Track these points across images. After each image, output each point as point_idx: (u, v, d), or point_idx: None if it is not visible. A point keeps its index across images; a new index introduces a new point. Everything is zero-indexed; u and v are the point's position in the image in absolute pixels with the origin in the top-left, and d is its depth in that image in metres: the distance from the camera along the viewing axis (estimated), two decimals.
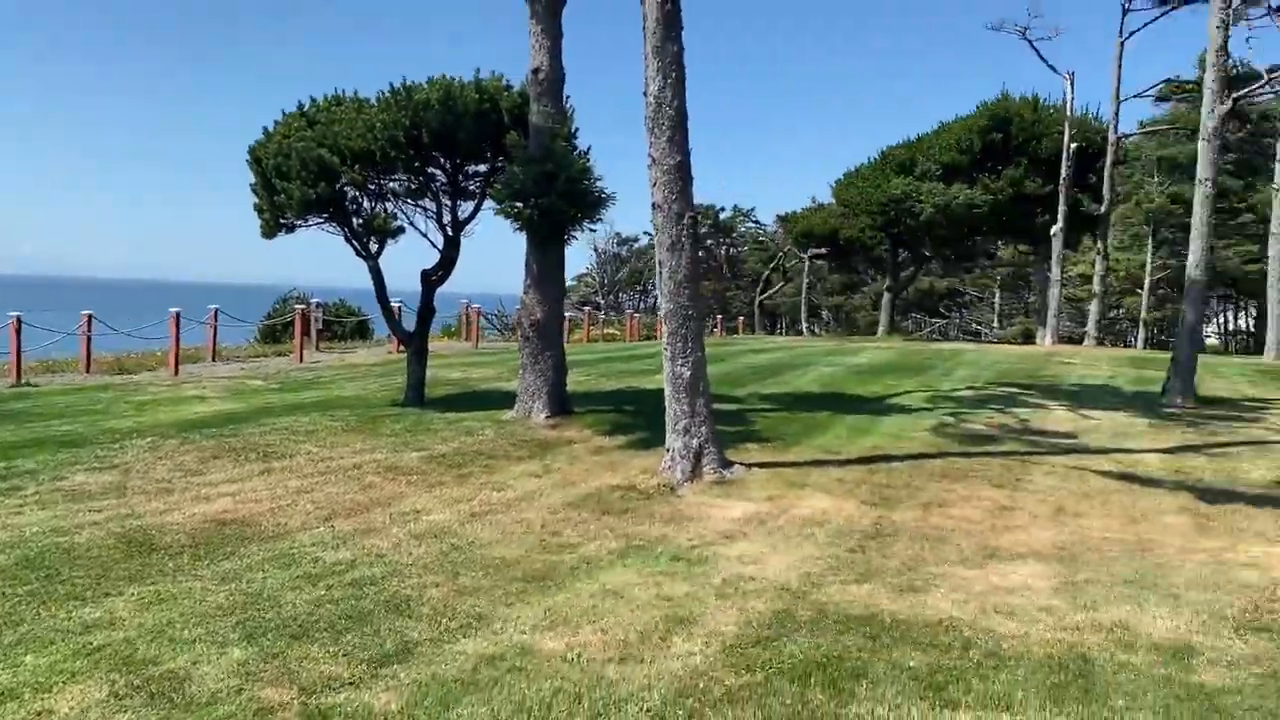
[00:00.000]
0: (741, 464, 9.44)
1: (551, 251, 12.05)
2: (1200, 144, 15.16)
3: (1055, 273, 32.28)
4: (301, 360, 19.79)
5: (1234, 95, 15.35)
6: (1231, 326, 72.71)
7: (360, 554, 6.50)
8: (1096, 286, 32.85)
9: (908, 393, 16.14)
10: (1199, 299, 15.09)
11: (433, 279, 13.23)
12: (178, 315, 17.63)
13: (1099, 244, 33.13)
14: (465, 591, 5.76)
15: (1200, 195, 14.99)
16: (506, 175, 11.75)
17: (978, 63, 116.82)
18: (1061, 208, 31.40)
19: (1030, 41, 31.75)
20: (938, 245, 37.47)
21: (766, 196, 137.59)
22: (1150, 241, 55.99)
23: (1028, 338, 63.78)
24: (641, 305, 63.15)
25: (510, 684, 4.43)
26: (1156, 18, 31.94)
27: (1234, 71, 31.48)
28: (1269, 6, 25.87)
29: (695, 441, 8.98)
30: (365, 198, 12.80)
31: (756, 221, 71.44)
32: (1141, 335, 58.87)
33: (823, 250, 43.87)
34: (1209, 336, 72.27)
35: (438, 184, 13.00)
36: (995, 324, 70.34)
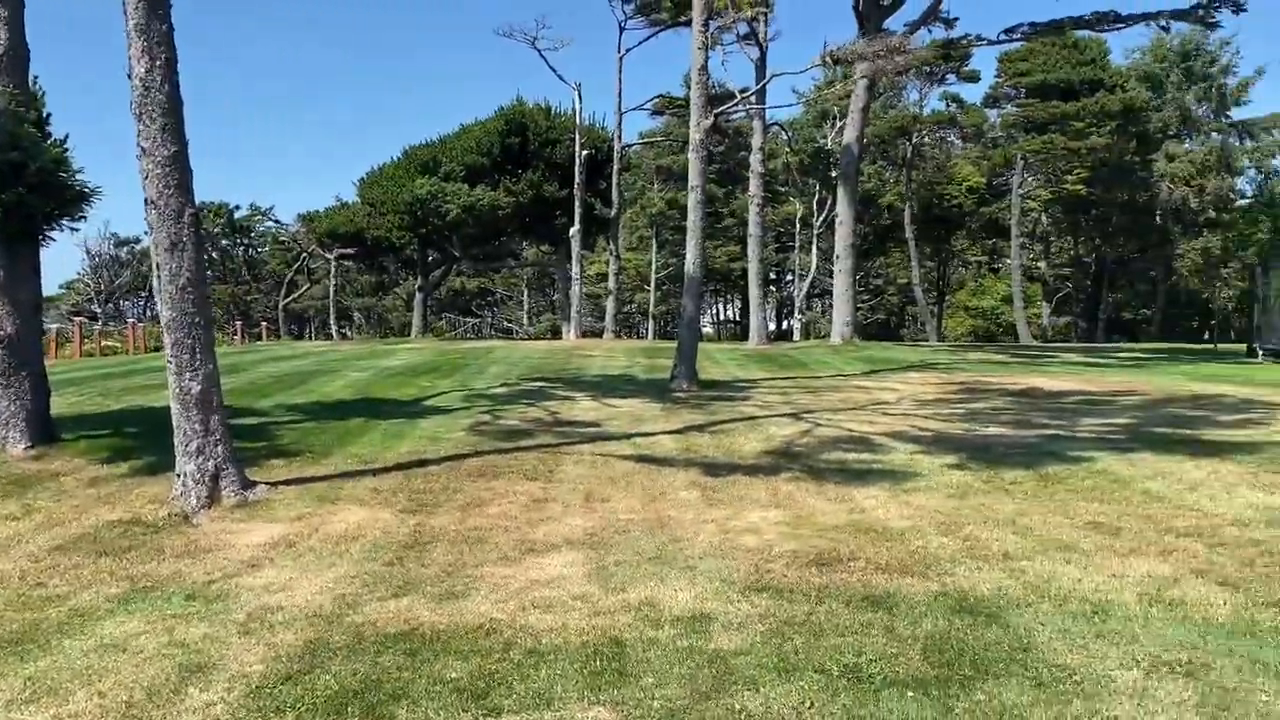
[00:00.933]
0: (266, 483, 8.75)
1: (23, 254, 10.31)
2: (690, 154, 16.86)
3: (575, 271, 34.38)
4: None
5: (715, 111, 17.24)
6: (723, 317, 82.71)
7: None
8: (611, 284, 35.53)
9: (444, 393, 16.14)
10: (697, 293, 16.78)
11: None
12: None
13: (611, 245, 35.87)
14: None
15: (692, 200, 16.67)
16: None
17: (497, 67, 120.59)
18: (577, 210, 33.50)
19: (539, 51, 33.43)
20: (466, 245, 38.24)
21: (287, 194, 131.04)
22: (654, 243, 61.86)
23: (555, 333, 67.45)
24: (147, 313, 57.24)
25: None
26: (648, 37, 35.23)
27: (715, 91, 35.59)
28: (738, 34, 29.65)
29: (211, 463, 8.15)
30: None
31: (277, 221, 67.98)
32: (651, 327, 64.85)
33: (349, 250, 42.77)
34: (705, 326, 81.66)
35: None
36: (525, 321, 73.58)
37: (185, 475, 8.13)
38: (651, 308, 63.74)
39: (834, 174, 36.25)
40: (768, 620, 5.12)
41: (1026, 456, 9.66)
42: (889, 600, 5.37)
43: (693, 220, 16.58)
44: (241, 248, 70.43)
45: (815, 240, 54.77)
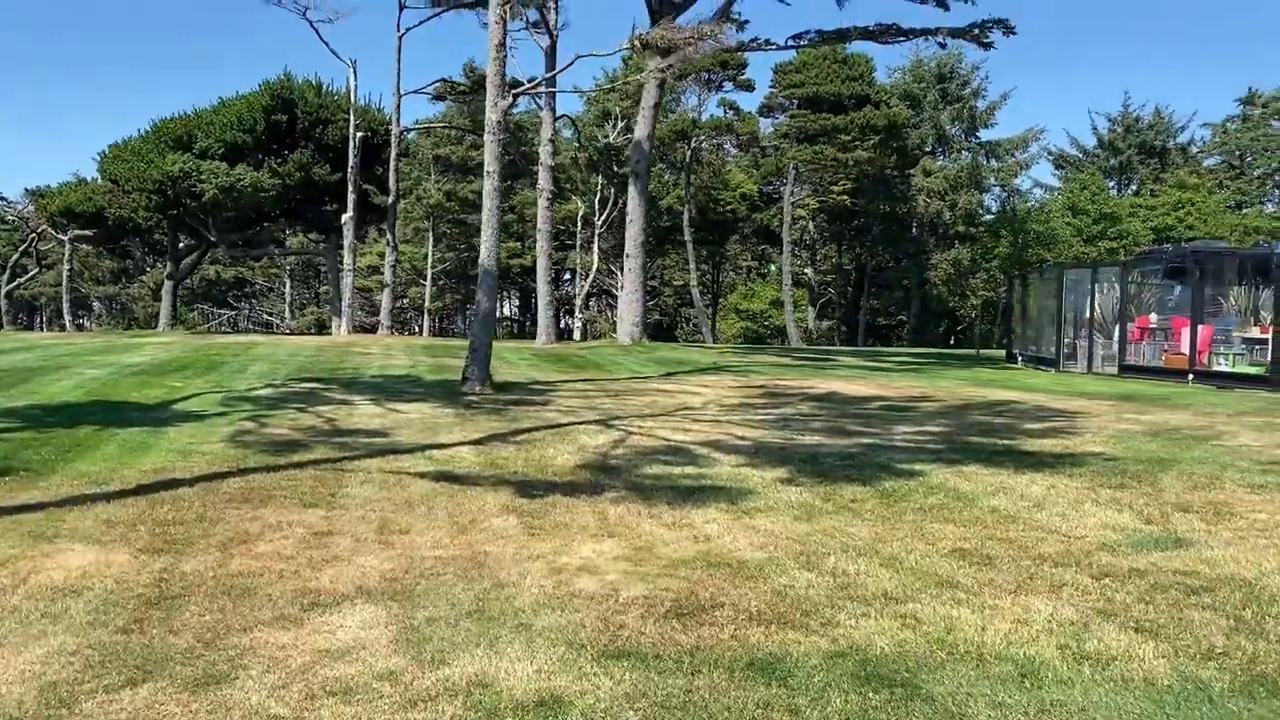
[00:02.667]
0: None
1: None
2: (486, 136, 15.55)
3: (348, 261, 32.01)
4: None
5: (514, 91, 16.01)
6: (500, 314, 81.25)
7: None
8: (388, 276, 33.39)
9: (197, 395, 14.13)
10: (492, 287, 15.48)
11: None
12: None
13: (389, 234, 33.70)
14: None
15: (488, 187, 15.36)
16: None
17: (260, 37, 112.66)
18: (351, 196, 31.17)
19: (311, 22, 30.87)
20: (224, 230, 34.82)
21: (15, 168, 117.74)
22: (431, 235, 59.64)
23: (321, 328, 63.90)
24: None
25: None
26: (430, 17, 33.33)
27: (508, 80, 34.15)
28: (527, 20, 28.41)
29: None
30: None
31: (2, 198, 60.63)
32: (427, 323, 62.57)
33: (87, 232, 38.13)
34: None
35: None
36: (287, 315, 69.34)
37: None
38: (427, 303, 61.47)
39: (624, 170, 35.68)
40: (639, 703, 4.03)
41: (857, 470, 9.08)
42: (779, 666, 4.41)
43: (488, 208, 15.28)
44: None
45: (596, 240, 54.30)
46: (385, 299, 33.08)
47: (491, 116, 15.16)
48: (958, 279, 60.55)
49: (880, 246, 62.21)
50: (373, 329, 36.17)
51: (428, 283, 60.05)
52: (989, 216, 60.39)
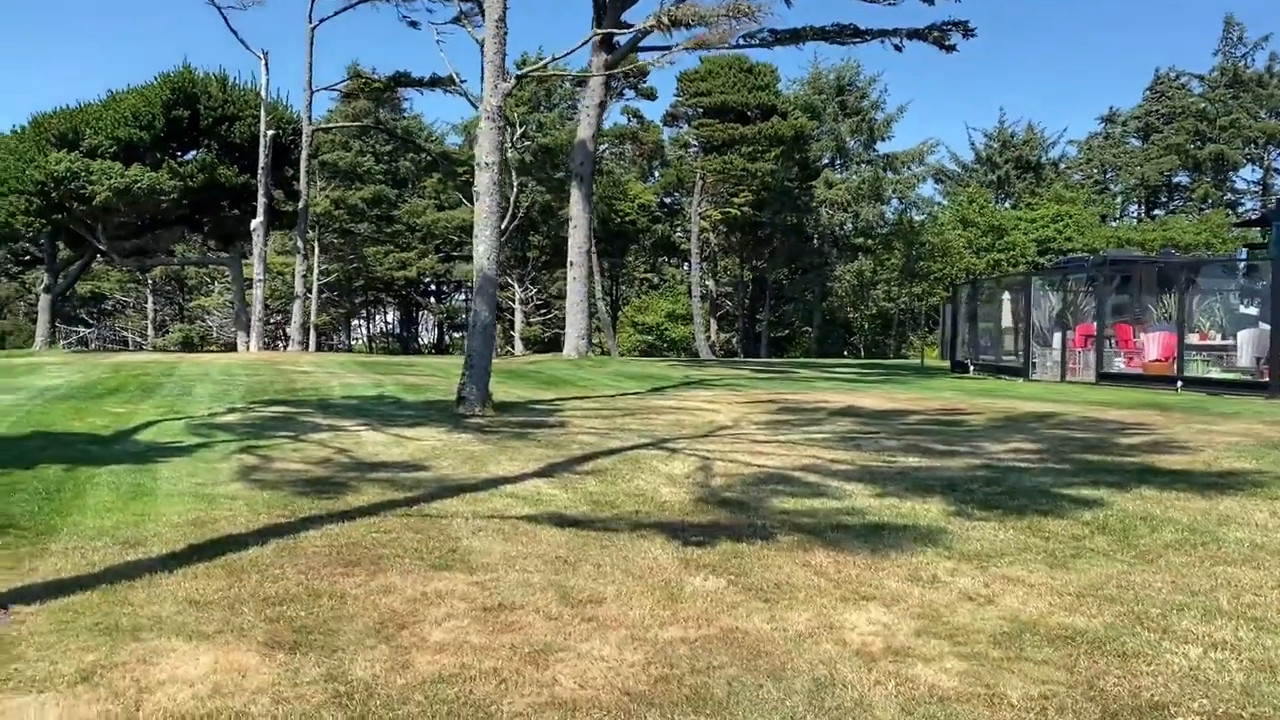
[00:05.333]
0: None
1: None
2: (482, 123, 13.92)
3: (259, 271, 29.32)
4: None
5: (518, 74, 14.37)
6: (379, 329, 77.79)
7: None
8: (299, 287, 30.83)
9: (154, 423, 12.06)
10: (491, 295, 13.77)
11: None
12: None
13: (297, 241, 31.15)
14: None
15: (485, 181, 13.70)
16: None
17: (153, 22, 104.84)
18: (261, 200, 28.58)
19: (220, 8, 28.22)
20: (114, 237, 31.49)
21: None
22: (316, 245, 56.55)
23: (188, 346, 59.83)
24: None
25: None
26: (344, 8, 31.07)
27: (428, 78, 32.13)
28: (461, 11, 26.57)
29: None
30: None
31: None
32: (314, 338, 59.33)
33: None
34: (355, 341, 75.86)
35: None
36: (151, 333, 64.88)
37: None
38: (313, 318, 58.33)
39: (559, 176, 34.06)
40: None
41: (1026, 498, 7.91)
42: None
43: (486, 205, 13.62)
44: None
45: None
46: (296, 311, 30.46)
47: (491, 101, 13.53)
48: (860, 290, 61.16)
49: (781, 258, 62.16)
50: (275, 345, 33.40)
51: (313, 295, 57.00)
52: (887, 229, 61.14)
